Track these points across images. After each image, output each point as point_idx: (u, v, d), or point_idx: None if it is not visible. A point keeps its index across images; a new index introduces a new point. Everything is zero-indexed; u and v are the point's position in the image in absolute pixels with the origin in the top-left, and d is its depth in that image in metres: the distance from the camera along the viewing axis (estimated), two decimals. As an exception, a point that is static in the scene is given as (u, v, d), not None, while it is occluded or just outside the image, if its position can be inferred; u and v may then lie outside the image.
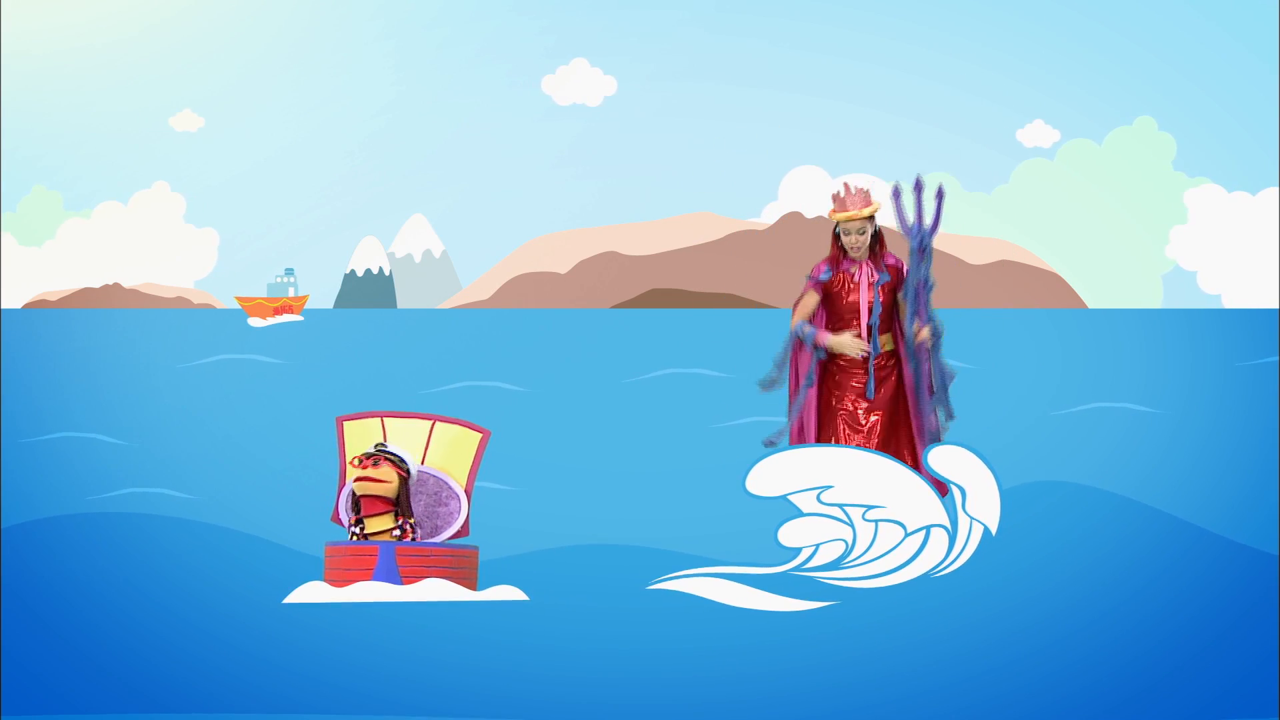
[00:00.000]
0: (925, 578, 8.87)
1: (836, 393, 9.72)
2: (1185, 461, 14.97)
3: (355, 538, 9.45)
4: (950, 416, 9.68)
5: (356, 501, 9.51)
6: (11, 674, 7.98)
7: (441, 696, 7.80)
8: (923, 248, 9.54)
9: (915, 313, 9.57)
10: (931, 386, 9.67)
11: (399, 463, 9.54)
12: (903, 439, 9.69)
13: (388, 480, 9.45)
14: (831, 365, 9.76)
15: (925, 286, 9.56)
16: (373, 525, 9.45)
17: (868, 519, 8.95)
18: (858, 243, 9.67)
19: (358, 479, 9.47)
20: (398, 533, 9.45)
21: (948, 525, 8.92)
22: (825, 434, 9.73)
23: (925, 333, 9.61)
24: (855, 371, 9.71)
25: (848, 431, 9.67)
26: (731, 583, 8.92)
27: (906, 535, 8.94)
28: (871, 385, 9.65)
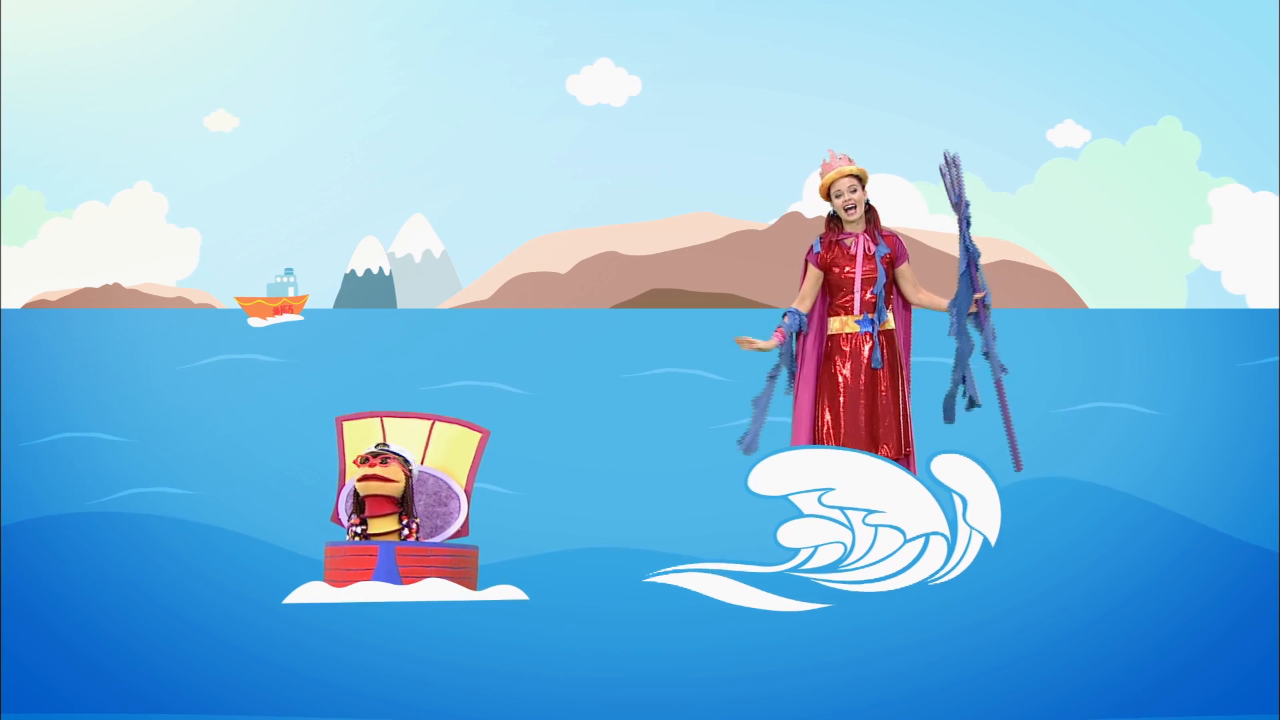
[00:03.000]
0: (922, 585, 8.86)
1: (837, 370, 9.64)
2: (1185, 461, 14.97)
3: (357, 538, 9.43)
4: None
5: (360, 502, 9.48)
6: (11, 673, 7.98)
7: (441, 696, 7.80)
8: (967, 219, 9.48)
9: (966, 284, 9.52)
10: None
11: (405, 462, 9.53)
12: (903, 424, 9.61)
13: (395, 480, 9.44)
14: (830, 340, 9.70)
15: (975, 256, 9.54)
16: (377, 526, 9.43)
17: (868, 523, 8.95)
18: (851, 201, 9.58)
19: (365, 478, 9.42)
20: (405, 533, 9.45)
21: (947, 534, 8.91)
22: (819, 404, 9.65)
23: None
24: (847, 344, 9.63)
25: (844, 400, 9.58)
26: (729, 580, 8.93)
27: (905, 541, 8.93)
28: (878, 354, 9.57)
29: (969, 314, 9.56)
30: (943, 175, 9.56)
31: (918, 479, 9.06)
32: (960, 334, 9.55)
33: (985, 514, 8.92)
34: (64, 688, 7.91)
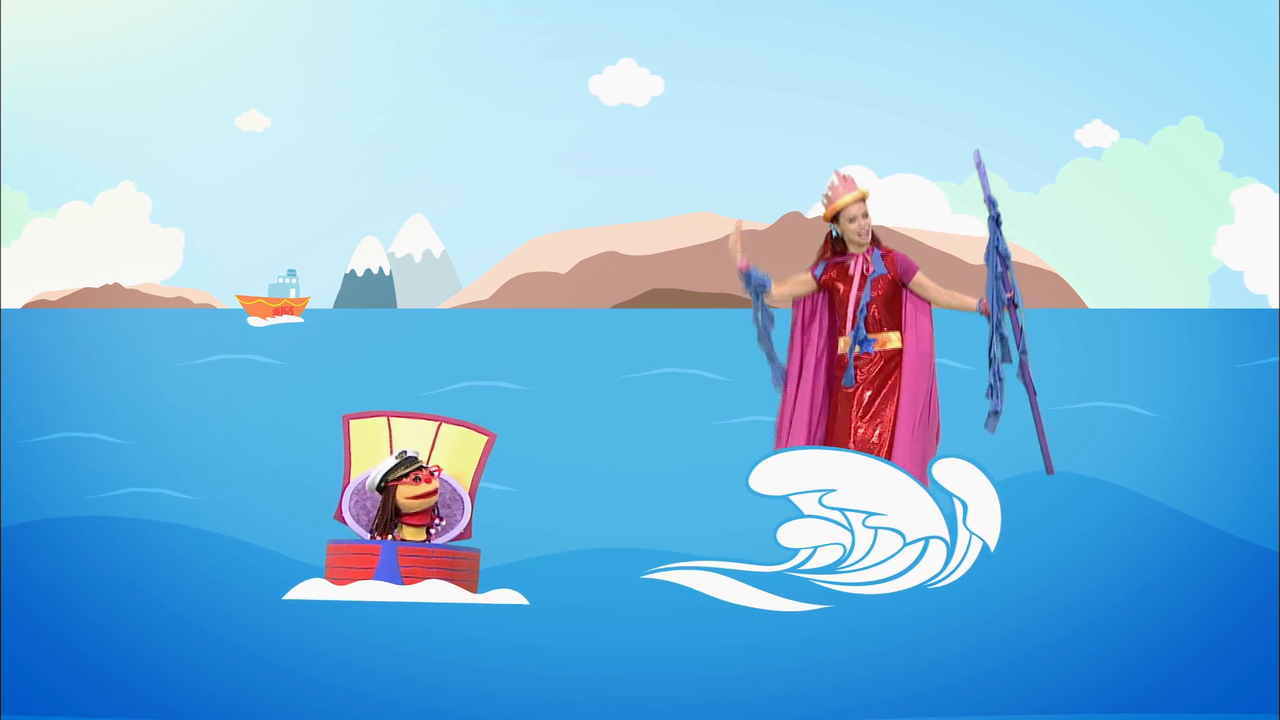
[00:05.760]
0: (921, 588, 8.86)
1: (839, 388, 9.73)
2: (1186, 461, 14.96)
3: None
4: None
5: (396, 513, 9.43)
6: (11, 674, 7.98)
7: (441, 697, 7.79)
8: (995, 217, 9.61)
9: (999, 281, 9.59)
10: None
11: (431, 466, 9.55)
12: (898, 444, 9.65)
13: (437, 490, 9.46)
14: (839, 359, 9.77)
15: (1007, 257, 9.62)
16: (414, 535, 9.44)
17: (868, 525, 8.95)
18: (864, 226, 9.67)
19: (417, 497, 9.40)
20: (433, 532, 9.47)
21: (947, 538, 8.91)
22: (831, 416, 9.72)
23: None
24: (847, 363, 9.72)
25: (845, 418, 9.65)
26: (727, 578, 8.92)
27: (905, 545, 8.93)
28: (850, 374, 9.64)
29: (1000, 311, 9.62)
30: (980, 177, 9.67)
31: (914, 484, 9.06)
32: (995, 334, 9.59)
33: (985, 519, 8.91)
34: (64, 689, 7.90)
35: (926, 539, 8.92)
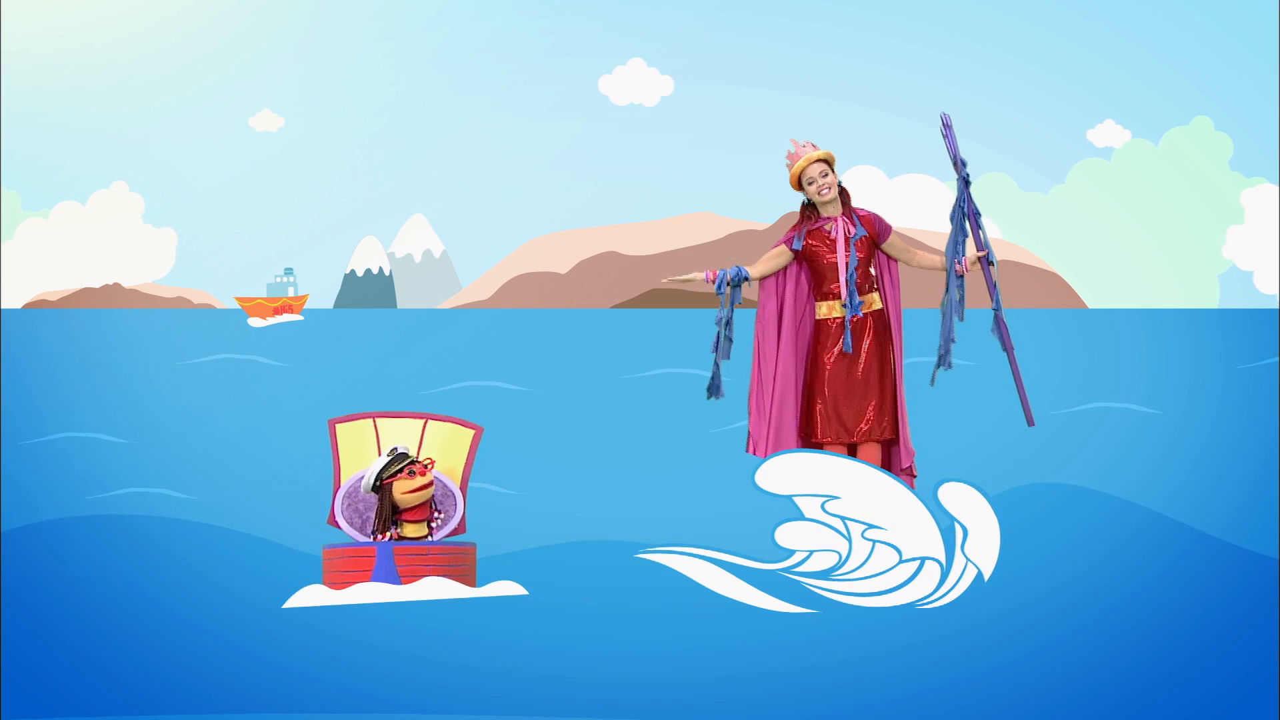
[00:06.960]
0: (910, 607, 8.85)
1: (824, 355, 9.70)
2: (1185, 462, 14.97)
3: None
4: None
5: (394, 510, 9.45)
6: (12, 674, 7.99)
7: (442, 694, 7.81)
8: (966, 178, 9.67)
9: (965, 240, 9.64)
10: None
11: (424, 461, 9.56)
12: (886, 405, 9.65)
13: (432, 482, 9.48)
14: (818, 325, 9.76)
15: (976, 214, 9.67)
16: (414, 531, 9.45)
17: (866, 537, 8.94)
18: (824, 185, 9.72)
19: (413, 491, 9.41)
20: (433, 526, 9.48)
21: (942, 561, 8.90)
22: (810, 390, 9.70)
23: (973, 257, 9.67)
24: (834, 329, 9.70)
25: (828, 385, 9.64)
26: (719, 568, 8.93)
27: (900, 561, 8.92)
28: (848, 339, 9.63)
29: (967, 271, 9.68)
30: (944, 138, 9.70)
31: (915, 479, 9.05)
32: (952, 292, 9.66)
33: (983, 547, 8.89)
34: (64, 689, 7.91)
35: (922, 559, 8.91)
